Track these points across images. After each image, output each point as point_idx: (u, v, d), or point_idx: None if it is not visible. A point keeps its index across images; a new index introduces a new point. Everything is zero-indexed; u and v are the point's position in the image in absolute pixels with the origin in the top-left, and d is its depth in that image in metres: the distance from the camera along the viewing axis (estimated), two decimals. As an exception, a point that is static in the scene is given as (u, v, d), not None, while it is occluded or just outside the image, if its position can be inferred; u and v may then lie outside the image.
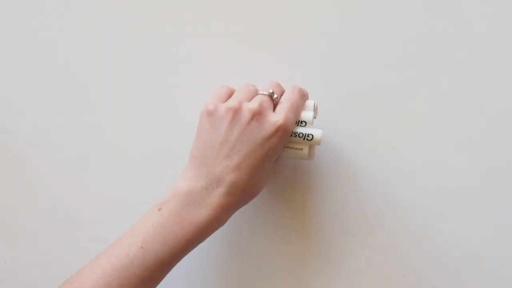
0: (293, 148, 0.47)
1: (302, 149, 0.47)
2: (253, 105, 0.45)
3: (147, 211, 0.44)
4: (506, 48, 0.51)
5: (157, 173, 0.53)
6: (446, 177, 0.51)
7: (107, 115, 0.54)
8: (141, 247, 0.42)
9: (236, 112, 0.44)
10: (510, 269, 0.50)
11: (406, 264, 0.51)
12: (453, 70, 0.51)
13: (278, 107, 0.46)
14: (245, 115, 0.44)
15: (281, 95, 0.47)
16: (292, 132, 0.47)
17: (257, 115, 0.44)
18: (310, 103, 0.48)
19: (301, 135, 0.47)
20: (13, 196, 0.54)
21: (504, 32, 0.51)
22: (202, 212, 0.43)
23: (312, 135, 0.47)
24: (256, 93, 0.47)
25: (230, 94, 0.47)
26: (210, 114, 0.45)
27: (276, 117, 0.45)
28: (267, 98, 0.46)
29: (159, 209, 0.43)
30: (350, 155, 0.51)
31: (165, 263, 0.42)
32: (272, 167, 0.47)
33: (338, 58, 0.52)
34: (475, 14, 0.51)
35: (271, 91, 0.46)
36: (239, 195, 0.44)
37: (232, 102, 0.45)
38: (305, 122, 0.47)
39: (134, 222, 0.48)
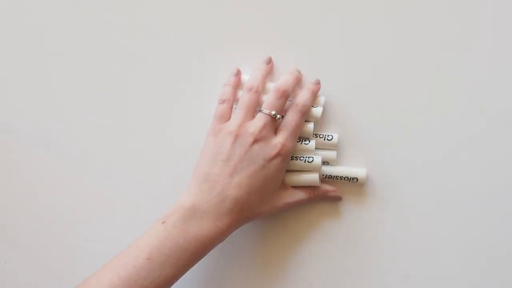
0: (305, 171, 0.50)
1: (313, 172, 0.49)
2: (254, 129, 0.46)
3: (151, 225, 0.45)
4: (506, 48, 0.51)
5: (157, 173, 0.53)
6: (446, 177, 0.51)
7: (107, 115, 0.54)
8: (148, 259, 0.43)
9: (238, 136, 0.46)
10: (510, 269, 0.50)
11: (406, 264, 0.51)
12: (453, 70, 0.51)
13: (279, 130, 0.48)
14: (247, 139, 0.46)
15: (290, 92, 0.49)
16: (294, 156, 0.49)
17: (259, 139, 0.46)
18: (317, 111, 0.50)
19: (302, 158, 0.49)
20: (13, 196, 0.54)
21: (504, 32, 0.51)
22: (205, 226, 0.44)
23: (313, 158, 0.49)
24: (259, 101, 0.49)
25: (231, 108, 0.49)
26: (214, 135, 0.47)
27: (277, 140, 0.47)
28: (269, 120, 0.47)
29: (163, 222, 0.44)
30: (350, 155, 0.51)
31: (170, 276, 0.43)
32: (278, 193, 0.48)
33: (338, 58, 0.52)
34: (475, 14, 0.51)
35: (273, 112, 0.47)
36: (238, 212, 0.45)
37: (234, 125, 0.47)
38: (309, 140, 0.50)
39: (134, 222, 0.48)
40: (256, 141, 0.46)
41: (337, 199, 0.50)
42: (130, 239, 0.44)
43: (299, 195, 0.49)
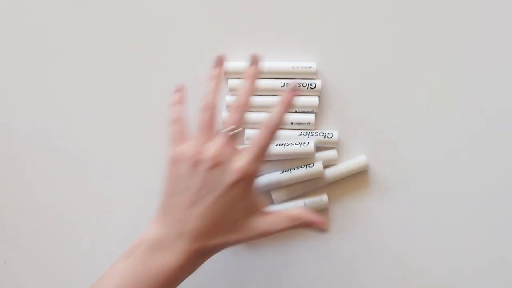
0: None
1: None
2: (212, 152, 0.43)
3: (116, 260, 0.43)
4: (506, 48, 0.51)
5: (157, 173, 0.53)
6: (446, 177, 0.51)
7: (107, 115, 0.54)
8: None
9: (195, 162, 0.43)
10: (510, 269, 0.50)
11: (406, 264, 0.51)
12: (453, 70, 0.51)
13: (244, 150, 0.44)
14: (205, 164, 0.42)
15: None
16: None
17: (218, 163, 0.42)
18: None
19: (302, 166, 0.50)
20: (13, 196, 0.54)
21: (504, 32, 0.51)
22: (170, 258, 0.42)
23: (314, 164, 0.50)
24: (216, 117, 0.46)
25: (184, 127, 0.46)
26: (172, 163, 0.44)
27: (239, 164, 0.43)
28: (228, 138, 0.44)
29: (126, 258, 0.42)
30: (350, 155, 0.51)
31: None
32: (251, 221, 0.43)
33: (338, 58, 0.52)
34: (475, 14, 0.51)
35: (231, 128, 0.44)
36: (203, 243, 0.42)
37: (191, 150, 0.43)
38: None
39: (134, 222, 0.48)
40: (215, 165, 0.42)
41: (322, 231, 0.44)
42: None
43: (282, 223, 0.44)
